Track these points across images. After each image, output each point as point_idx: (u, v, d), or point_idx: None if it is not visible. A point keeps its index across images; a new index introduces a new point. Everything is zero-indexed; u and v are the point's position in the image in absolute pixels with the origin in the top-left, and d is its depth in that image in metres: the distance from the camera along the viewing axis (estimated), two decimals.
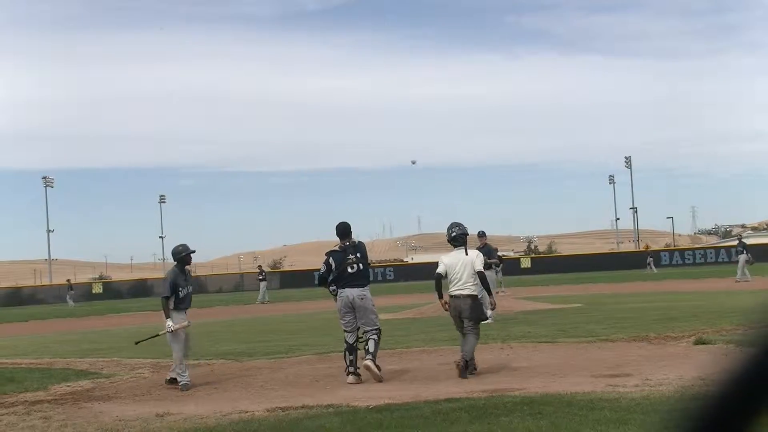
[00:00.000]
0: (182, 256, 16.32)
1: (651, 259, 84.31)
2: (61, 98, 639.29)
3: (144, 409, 13.06)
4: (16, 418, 12.87)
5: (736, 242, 61.00)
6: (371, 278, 16.20)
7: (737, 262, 50.35)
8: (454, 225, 15.95)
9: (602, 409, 10.50)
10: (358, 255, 15.34)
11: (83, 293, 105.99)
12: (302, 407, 12.16)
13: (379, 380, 14.60)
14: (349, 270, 15.27)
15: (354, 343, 15.13)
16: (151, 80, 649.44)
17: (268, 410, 12.15)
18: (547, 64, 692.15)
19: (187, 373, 15.54)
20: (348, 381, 14.76)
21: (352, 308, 15.16)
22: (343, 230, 15.69)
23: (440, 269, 15.66)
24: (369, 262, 15.75)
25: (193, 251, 16.63)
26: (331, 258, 15.46)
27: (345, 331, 15.28)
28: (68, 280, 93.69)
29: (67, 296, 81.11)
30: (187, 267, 16.37)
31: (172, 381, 15.64)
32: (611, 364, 14.87)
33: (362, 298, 15.16)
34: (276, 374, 16.49)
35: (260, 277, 61.34)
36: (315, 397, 13.20)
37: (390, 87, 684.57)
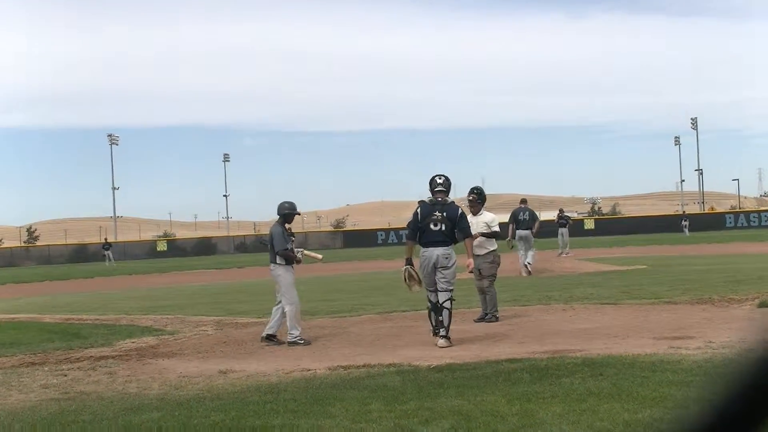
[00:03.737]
0: (286, 213, 16.48)
1: (686, 222, 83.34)
2: (128, 56, 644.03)
3: (207, 366, 13.18)
4: (82, 373, 13.04)
5: None
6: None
7: None
8: None
9: (664, 371, 10.44)
10: (445, 214, 14.78)
11: (147, 250, 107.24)
12: (364, 366, 12.20)
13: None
14: (432, 227, 14.71)
15: (437, 302, 14.60)
16: (217, 39, 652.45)
17: (329, 368, 12.21)
18: (614, 24, 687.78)
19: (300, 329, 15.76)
20: (438, 344, 14.13)
21: (434, 268, 14.67)
22: (431, 183, 15.21)
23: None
24: (462, 226, 15.11)
25: (299, 213, 16.98)
26: (419, 208, 15.07)
27: (428, 290, 14.78)
28: (105, 239, 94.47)
29: (106, 255, 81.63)
30: (288, 225, 16.46)
31: (270, 338, 15.71)
32: (674, 327, 14.78)
33: (447, 257, 14.64)
34: (338, 333, 16.56)
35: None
36: (376, 356, 13.23)
37: (453, 46, 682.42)
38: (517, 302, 20.35)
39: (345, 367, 12.18)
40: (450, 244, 14.84)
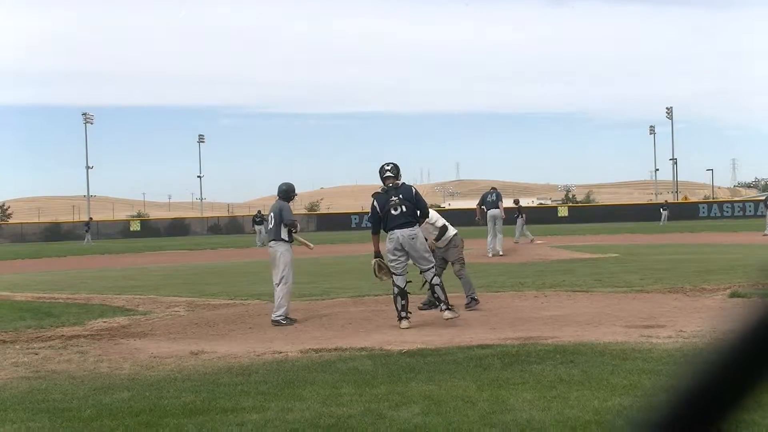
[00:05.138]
0: (292, 195, 16.91)
1: (665, 211, 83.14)
2: (104, 35, 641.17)
3: (178, 347, 13.16)
4: (53, 352, 13.00)
5: (764, 197, 61.66)
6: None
7: (764, 216, 50.57)
8: None
9: (635, 359, 10.50)
10: (401, 196, 14.96)
11: (121, 230, 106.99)
12: (335, 349, 12.21)
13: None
14: (393, 212, 14.89)
15: (405, 287, 14.82)
16: (195, 20, 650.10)
17: (301, 351, 12.22)
18: (593, 11, 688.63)
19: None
20: (402, 326, 14.46)
21: (402, 249, 14.87)
22: (380, 171, 15.43)
23: None
24: (420, 203, 15.23)
25: (296, 194, 17.33)
26: (375, 201, 15.25)
27: (394, 274, 14.93)
28: (90, 218, 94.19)
29: (86, 233, 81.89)
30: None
31: (290, 320, 15.80)
32: (645, 315, 14.83)
33: (412, 238, 14.84)
34: (310, 316, 16.53)
35: (257, 220, 60.27)
36: (348, 339, 13.24)
37: (432, 31, 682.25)
38: (489, 288, 20.38)
39: (316, 350, 12.19)
40: (415, 224, 15.05)
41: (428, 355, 11.46)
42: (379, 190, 15.39)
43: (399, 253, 14.91)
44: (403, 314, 14.67)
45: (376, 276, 15.33)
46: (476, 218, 34.48)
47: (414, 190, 15.29)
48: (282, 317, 15.60)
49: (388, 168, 15.37)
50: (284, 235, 16.20)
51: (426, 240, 15.73)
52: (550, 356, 10.87)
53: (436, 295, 14.88)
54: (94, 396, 9.61)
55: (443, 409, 8.33)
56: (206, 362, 11.73)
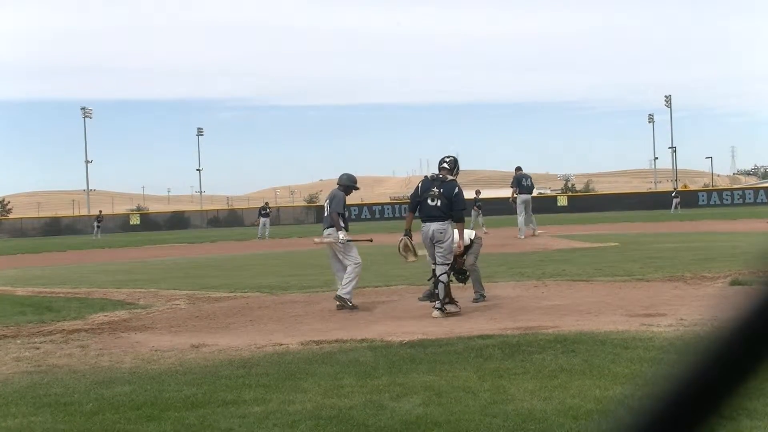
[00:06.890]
0: (352, 186, 17.28)
1: (677, 199, 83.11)
2: (102, 28, 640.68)
3: (179, 340, 13.16)
4: (54, 347, 13.00)
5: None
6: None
7: None
8: None
9: (636, 348, 10.51)
10: (441, 191, 15.16)
11: (121, 224, 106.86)
12: (336, 341, 12.21)
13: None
14: (429, 202, 15.16)
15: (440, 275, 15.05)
16: (193, 12, 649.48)
17: (302, 343, 12.21)
18: (591, 0, 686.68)
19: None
20: (432, 315, 14.60)
21: (431, 241, 15.12)
22: (440, 162, 15.79)
23: None
24: (457, 204, 15.24)
25: (358, 188, 17.70)
26: (420, 183, 15.61)
27: (431, 263, 15.24)
28: (99, 211, 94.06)
29: (98, 228, 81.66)
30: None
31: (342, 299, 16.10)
32: (646, 304, 14.84)
33: (441, 232, 15.05)
34: (310, 308, 16.55)
35: (263, 212, 59.94)
36: (349, 331, 13.24)
37: (428, 23, 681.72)
38: (489, 279, 20.34)
39: (317, 342, 12.19)
40: (446, 219, 15.19)
41: (429, 345, 11.46)
42: (429, 175, 15.76)
43: (429, 244, 15.22)
44: (446, 301, 14.90)
45: (401, 254, 15.62)
46: (511, 199, 36.56)
47: (456, 190, 15.36)
48: (349, 299, 16.00)
49: (447, 160, 15.73)
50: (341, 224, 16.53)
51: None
52: (551, 346, 10.88)
53: (437, 291, 14.91)
54: (95, 390, 9.62)
55: (444, 399, 8.34)
56: (207, 355, 11.73)
